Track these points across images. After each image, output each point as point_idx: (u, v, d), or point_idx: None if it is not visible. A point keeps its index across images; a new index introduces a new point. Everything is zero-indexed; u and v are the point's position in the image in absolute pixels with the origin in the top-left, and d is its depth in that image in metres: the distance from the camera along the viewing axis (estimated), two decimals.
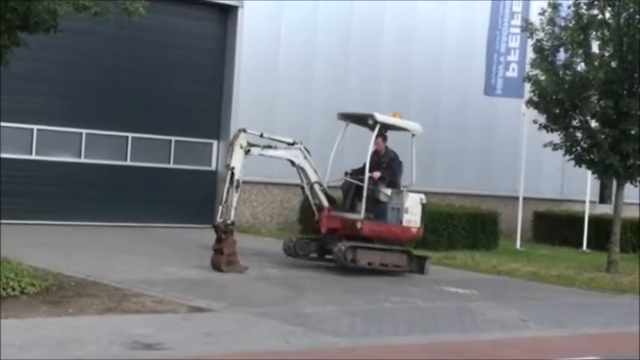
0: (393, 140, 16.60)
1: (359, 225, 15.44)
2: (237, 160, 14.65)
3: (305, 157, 15.60)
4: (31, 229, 17.86)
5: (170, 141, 21.26)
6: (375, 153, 16.09)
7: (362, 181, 15.64)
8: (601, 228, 22.66)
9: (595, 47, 18.52)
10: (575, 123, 18.80)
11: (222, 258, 14.27)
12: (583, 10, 18.31)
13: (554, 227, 25.05)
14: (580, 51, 18.36)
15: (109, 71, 20.25)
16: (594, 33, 18.31)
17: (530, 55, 19.64)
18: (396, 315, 11.98)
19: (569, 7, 18.69)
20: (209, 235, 14.75)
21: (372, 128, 15.97)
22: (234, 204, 14.49)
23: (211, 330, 9.90)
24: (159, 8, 18.62)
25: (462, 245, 21.14)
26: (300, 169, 15.64)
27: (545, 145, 19.34)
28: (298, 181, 16.02)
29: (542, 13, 18.92)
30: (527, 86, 19.83)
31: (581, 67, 18.53)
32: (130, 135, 20.60)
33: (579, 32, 18.17)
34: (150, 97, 20.69)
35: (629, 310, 14.21)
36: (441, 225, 20.86)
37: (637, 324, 12.57)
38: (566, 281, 17.02)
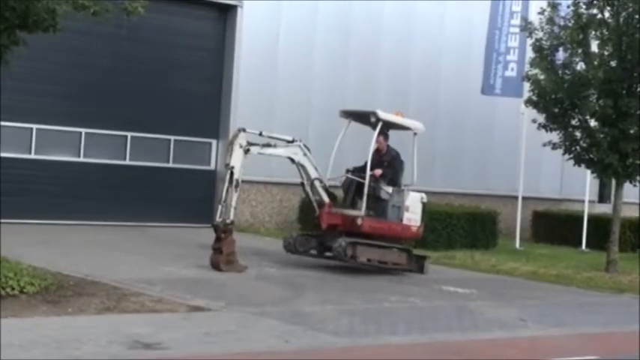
0: (393, 139, 16.60)
1: (359, 221, 15.43)
2: (237, 159, 14.64)
3: (305, 154, 15.60)
4: (30, 229, 17.86)
5: (169, 140, 21.26)
6: (377, 151, 16.08)
7: (363, 178, 15.63)
8: (600, 227, 22.66)
9: (594, 46, 18.52)
10: (574, 122, 18.80)
11: (222, 257, 14.28)
12: (582, 10, 18.30)
13: (554, 227, 25.05)
14: (579, 50, 18.37)
15: (109, 71, 20.24)
16: (593, 32, 18.32)
17: (530, 54, 19.65)
18: (395, 314, 11.98)
19: (568, 7, 18.70)
20: (208, 235, 14.75)
21: (374, 126, 15.97)
22: (233, 203, 14.49)
23: (210, 329, 9.90)
24: (158, 8, 18.63)
25: (461, 245, 21.15)
26: (300, 167, 15.64)
27: (544, 145, 19.35)
28: (297, 181, 16.02)
29: (541, 13, 18.92)
30: (527, 86, 19.83)
31: (580, 66, 18.53)
32: (130, 134, 20.60)
33: (578, 31, 18.18)
34: (149, 96, 20.69)
35: (628, 310, 14.22)
36: (440, 224, 20.86)
37: (636, 323, 12.58)
38: (565, 280, 17.03)
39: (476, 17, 24.44)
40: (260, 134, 15.19)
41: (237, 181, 14.53)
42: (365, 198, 15.51)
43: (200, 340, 9.42)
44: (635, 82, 18.22)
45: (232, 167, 14.56)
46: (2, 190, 18.28)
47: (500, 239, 22.84)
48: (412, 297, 13.56)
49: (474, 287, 15.16)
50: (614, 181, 19.58)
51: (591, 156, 18.53)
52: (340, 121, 16.79)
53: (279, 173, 20.41)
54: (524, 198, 23.84)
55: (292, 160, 15.62)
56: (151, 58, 20.71)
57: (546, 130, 19.15)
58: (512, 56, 22.98)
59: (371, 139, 15.93)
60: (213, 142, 21.77)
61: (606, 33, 18.13)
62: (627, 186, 19.23)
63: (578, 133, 18.78)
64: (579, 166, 19.36)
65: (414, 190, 16.29)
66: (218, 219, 14.38)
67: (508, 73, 22.93)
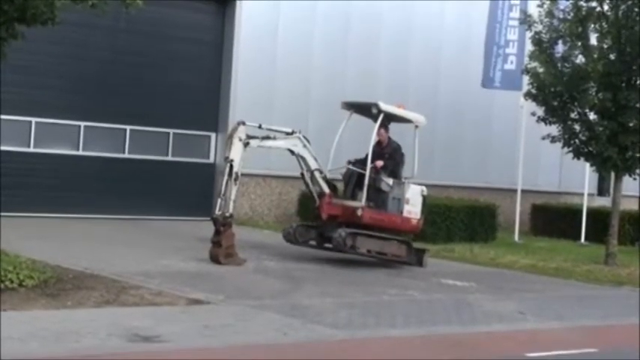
0: (395, 131, 16.59)
1: (359, 212, 15.42)
2: (236, 152, 14.64)
3: (304, 146, 15.59)
4: (29, 222, 17.85)
5: (168, 133, 21.25)
6: (378, 143, 16.07)
7: (364, 170, 15.62)
8: (599, 220, 22.68)
9: (593, 39, 18.52)
10: (573, 115, 18.80)
11: (221, 250, 14.28)
12: (582, 3, 18.30)
13: (553, 220, 25.07)
14: (578, 43, 18.37)
15: (108, 64, 20.23)
16: (593, 25, 18.31)
17: (529, 47, 19.64)
18: (394, 307, 11.99)
19: (567, 0, 18.68)
20: (207, 228, 14.75)
21: (375, 118, 15.96)
22: (232, 197, 14.49)
23: (210, 322, 9.91)
24: (157, 1, 18.62)
25: (460, 238, 21.16)
26: (300, 158, 15.63)
27: (543, 138, 19.35)
28: (297, 174, 16.01)
29: (540, 6, 18.91)
30: (526, 79, 19.82)
31: (579, 59, 18.53)
32: (129, 127, 20.59)
33: (578, 24, 18.17)
34: (148, 89, 20.68)
35: (627, 303, 14.24)
36: (440, 217, 20.88)
37: (635, 316, 12.60)
38: (564, 274, 17.04)
39: (475, 10, 24.41)
40: (259, 127, 15.18)
41: (236, 174, 14.52)
42: (365, 189, 15.50)
43: (199, 333, 9.43)
44: (635, 75, 18.22)
45: (232, 160, 14.55)
46: (1, 184, 18.28)
47: (500, 232, 22.86)
48: (411, 290, 13.57)
49: (472, 280, 15.17)
50: (613, 174, 19.59)
51: (590, 149, 18.54)
52: (340, 114, 16.78)
53: (278, 166, 20.41)
54: (523, 191, 23.85)
55: (292, 152, 15.62)
56: (150, 51, 20.69)
57: (545, 123, 19.14)
58: (512, 49, 22.98)
59: (372, 131, 15.92)
60: (213, 135, 21.76)
61: (605, 26, 18.12)
62: (626, 179, 19.23)
63: (577, 126, 18.78)
64: (578, 159, 19.36)
65: (414, 183, 16.29)
66: (217, 212, 14.38)
67: (507, 66, 22.92)
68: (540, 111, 19.03)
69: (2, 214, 17.01)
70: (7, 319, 9.09)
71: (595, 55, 18.07)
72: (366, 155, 15.80)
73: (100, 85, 20.06)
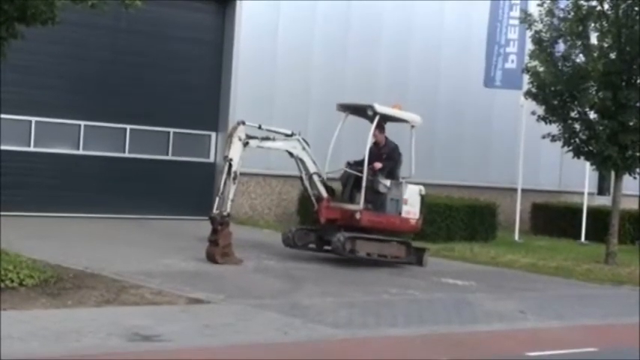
0: (392, 131, 16.59)
1: (358, 215, 15.43)
2: (236, 152, 14.64)
3: (303, 148, 15.59)
4: (29, 221, 17.85)
5: (168, 133, 21.25)
6: (376, 144, 16.07)
7: (362, 172, 15.62)
8: (599, 219, 22.68)
9: (594, 39, 18.51)
10: (573, 114, 18.80)
11: (217, 249, 14.27)
12: (582, 2, 18.29)
13: (553, 219, 25.07)
14: (579, 42, 18.36)
15: (108, 63, 20.22)
16: (593, 24, 18.30)
17: (529, 46, 19.63)
18: (394, 307, 11.99)
19: None
20: (207, 227, 14.73)
21: (372, 119, 15.96)
22: (230, 196, 14.49)
23: (210, 322, 9.91)
24: (157, 0, 18.62)
25: (460, 237, 21.16)
26: (299, 160, 15.63)
27: (543, 137, 19.35)
28: (297, 173, 16.01)
29: (541, 5, 18.91)
30: (526, 78, 19.81)
31: (579, 58, 18.52)
32: (129, 127, 20.59)
33: (578, 23, 18.16)
34: (148, 89, 20.67)
35: (628, 302, 14.24)
36: (440, 217, 20.87)
37: (635, 315, 12.60)
38: (564, 273, 17.04)
39: (475, 10, 24.40)
40: (259, 127, 15.18)
41: (235, 173, 14.53)
42: (363, 192, 15.50)
43: (199, 332, 9.43)
44: (635, 74, 18.22)
45: (231, 159, 14.56)
46: (2, 183, 18.28)
47: (500, 231, 22.86)
48: (411, 289, 13.57)
49: (473, 279, 15.18)
50: (613, 173, 19.59)
51: (590, 148, 18.53)
52: (339, 113, 16.78)
53: (278, 165, 20.40)
54: (523, 190, 23.84)
55: (291, 154, 15.61)
56: (150, 50, 20.68)
57: (545, 122, 19.13)
58: (512, 48, 22.97)
59: (370, 130, 15.91)
60: (213, 134, 21.76)
61: (606, 25, 18.11)
62: (626, 178, 19.23)
63: (577, 126, 18.78)
64: (578, 158, 19.36)
65: (412, 183, 16.28)
66: (215, 211, 14.39)
67: (508, 65, 22.91)
68: (540, 110, 19.02)
69: (2, 213, 17.00)
70: (7, 319, 9.09)
71: (595, 54, 18.07)
72: (364, 156, 15.80)
73: (100, 85, 20.06)
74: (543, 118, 19.02)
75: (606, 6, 18.17)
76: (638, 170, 18.95)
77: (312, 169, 15.65)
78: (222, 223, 14.31)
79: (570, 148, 18.93)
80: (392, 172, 16.07)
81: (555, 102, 18.65)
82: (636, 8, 17.92)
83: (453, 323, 11.30)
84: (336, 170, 16.12)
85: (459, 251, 19.14)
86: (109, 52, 20.25)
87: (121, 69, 20.33)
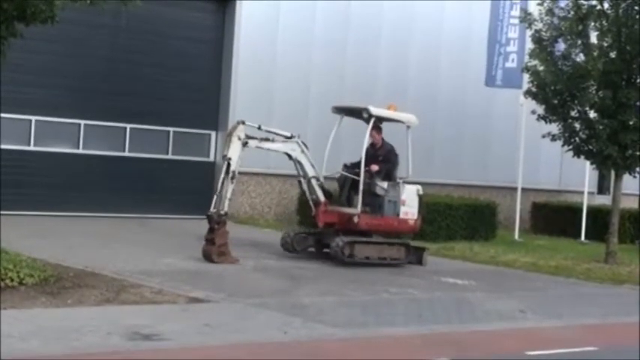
0: (389, 132, 16.58)
1: (356, 219, 15.46)
2: (235, 151, 14.65)
3: (302, 151, 15.58)
4: (29, 220, 17.86)
5: (168, 132, 21.26)
6: (372, 145, 16.08)
7: (358, 174, 15.62)
8: (599, 219, 22.70)
9: (594, 38, 18.51)
10: (573, 113, 18.80)
11: (214, 248, 14.26)
12: (582, 1, 18.29)
13: (553, 218, 25.08)
14: (579, 41, 18.36)
15: (108, 62, 20.22)
16: (593, 23, 18.31)
17: (529, 45, 19.63)
18: (394, 306, 11.99)
19: None
20: (207, 227, 14.74)
21: (367, 121, 15.96)
22: (228, 195, 14.50)
23: (210, 321, 9.91)
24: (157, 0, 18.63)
25: (460, 236, 21.16)
26: (298, 163, 15.63)
27: (543, 136, 19.35)
28: (297, 172, 16.00)
29: (541, 4, 18.90)
30: (526, 77, 19.81)
31: (579, 57, 18.52)
32: (129, 126, 20.59)
33: (578, 23, 18.16)
34: (148, 88, 20.67)
35: (628, 301, 14.24)
36: (440, 216, 20.87)
37: (635, 314, 12.60)
38: (564, 272, 17.04)
39: (475, 8, 24.42)
40: (259, 128, 15.18)
41: (233, 172, 14.54)
42: (360, 195, 15.51)
43: (199, 331, 9.44)
44: (635, 74, 18.22)
45: (229, 159, 14.57)
46: (2, 182, 18.27)
47: (500, 230, 22.87)
48: (411, 288, 13.57)
49: (473, 279, 15.18)
50: (613, 173, 19.59)
51: (590, 147, 18.53)
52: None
53: (278, 165, 20.37)
54: (523, 189, 23.84)
55: (289, 157, 15.61)
56: (150, 49, 20.69)
57: (545, 122, 19.14)
58: (513, 47, 22.97)
59: (366, 132, 15.91)
60: (212, 133, 21.76)
61: (605, 24, 18.11)
62: (626, 177, 19.24)
63: (577, 125, 18.78)
64: (578, 157, 19.36)
65: (410, 182, 16.27)
66: (212, 210, 14.40)
67: (508, 65, 22.91)
68: (540, 109, 19.02)
69: (2, 212, 17.00)
70: (7, 318, 9.09)
71: (595, 54, 18.07)
72: (361, 158, 15.79)
73: (100, 84, 20.05)
74: (543, 118, 19.02)
75: (606, 5, 18.17)
76: (638, 169, 18.95)
77: (310, 172, 15.64)
78: (218, 222, 14.31)
79: (570, 147, 18.93)
80: (389, 174, 16.08)
81: (555, 101, 18.65)
82: (636, 7, 17.91)
83: (452, 322, 11.30)
84: (334, 173, 16.10)
85: (459, 250, 19.14)
86: (109, 51, 20.25)
87: (121, 68, 20.34)
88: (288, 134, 15.58)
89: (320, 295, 12.22)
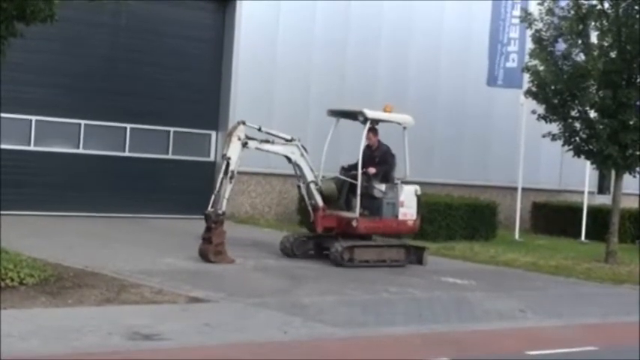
0: (387, 133, 16.58)
1: (354, 223, 15.48)
2: (234, 151, 14.66)
3: (302, 155, 15.56)
4: (29, 220, 17.85)
5: (169, 132, 21.26)
6: (368, 147, 16.10)
7: (355, 176, 15.61)
8: (599, 218, 22.69)
9: (594, 37, 18.51)
10: (573, 113, 18.80)
11: (210, 247, 14.25)
12: (582, 1, 18.28)
13: (553, 218, 25.08)
14: (579, 41, 18.35)
15: (108, 62, 20.22)
16: (593, 23, 18.30)
17: (530, 45, 19.62)
18: (394, 305, 11.99)
19: None
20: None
21: (363, 124, 15.97)
22: (226, 195, 14.50)
23: (210, 320, 9.92)
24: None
25: (460, 236, 21.16)
26: (297, 166, 15.62)
27: (543, 136, 19.35)
28: (295, 175, 16.00)
29: (541, 3, 18.90)
30: (526, 76, 19.81)
31: (580, 57, 18.51)
32: (129, 126, 20.59)
33: (578, 22, 18.16)
34: (148, 87, 20.67)
35: (628, 301, 14.24)
36: (440, 216, 20.87)
37: (635, 314, 12.60)
38: (564, 271, 17.03)
39: (475, 8, 24.41)
40: (259, 129, 15.18)
41: (232, 172, 14.55)
42: (358, 198, 15.52)
43: (199, 331, 9.44)
44: (635, 73, 18.21)
45: (229, 158, 14.58)
46: (2, 182, 18.27)
47: (500, 230, 22.86)
48: (411, 288, 13.57)
49: (473, 278, 15.18)
50: (613, 172, 19.58)
51: (591, 147, 18.53)
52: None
53: (278, 164, 20.33)
54: (523, 189, 23.84)
55: (289, 159, 15.59)
56: (150, 49, 20.69)
57: (546, 121, 19.14)
58: (513, 47, 22.97)
59: (362, 134, 15.91)
60: (213, 133, 21.76)
61: (606, 24, 18.11)
62: (626, 177, 19.23)
63: (577, 124, 18.78)
64: (579, 157, 19.36)
65: (407, 183, 16.26)
66: (210, 209, 14.40)
67: (509, 64, 22.92)
68: (541, 109, 19.02)
69: (2, 212, 17.00)
70: (7, 318, 9.09)
71: (595, 53, 18.06)
72: (358, 161, 15.79)
73: (100, 84, 20.06)
74: (543, 117, 19.02)
75: (606, 5, 18.16)
76: (638, 169, 18.94)
77: (309, 176, 15.63)
78: (216, 222, 14.31)
79: (570, 147, 18.93)
80: (386, 175, 16.08)
81: (555, 101, 18.65)
82: (636, 7, 17.91)
83: (452, 322, 11.30)
84: (332, 178, 16.08)
85: (459, 250, 19.14)
86: (109, 50, 20.25)
87: (121, 68, 20.34)
88: (289, 137, 15.57)
89: (320, 295, 12.23)
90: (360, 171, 15.61)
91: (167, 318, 9.87)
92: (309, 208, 15.74)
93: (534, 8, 19.72)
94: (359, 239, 15.71)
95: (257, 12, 21.71)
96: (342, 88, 22.34)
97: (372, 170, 15.78)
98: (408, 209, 16.09)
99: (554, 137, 19.03)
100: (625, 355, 10.20)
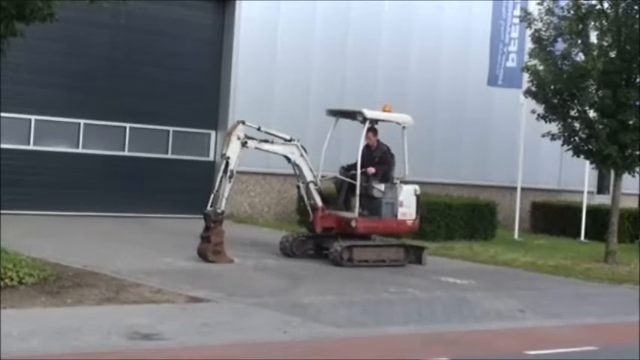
0: (387, 132, 16.58)
1: (354, 223, 15.48)
2: (233, 150, 14.67)
3: (301, 155, 15.56)
4: (28, 220, 17.84)
5: (168, 131, 21.25)
6: (367, 147, 16.10)
7: (354, 176, 15.62)
8: (599, 218, 22.69)
9: (593, 37, 18.50)
10: (573, 113, 18.79)
11: (209, 246, 14.25)
12: (582, 0, 18.28)
13: (552, 217, 25.07)
14: (578, 41, 18.34)
15: (107, 61, 20.22)
16: (593, 23, 18.30)
17: (529, 45, 19.62)
18: (394, 305, 11.99)
19: None
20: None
21: (363, 123, 15.97)
22: (225, 194, 14.51)
23: (209, 320, 9.92)
24: None
25: (460, 236, 21.15)
26: (296, 167, 15.62)
27: (543, 135, 19.34)
28: (294, 175, 15.99)
29: (540, 3, 18.90)
30: (526, 76, 19.81)
31: (579, 57, 18.50)
32: (128, 125, 20.59)
33: (578, 22, 18.15)
34: (148, 87, 20.67)
35: (627, 300, 14.24)
36: (439, 215, 20.86)
37: (635, 314, 12.59)
38: (563, 271, 17.03)
39: (475, 8, 24.41)
40: (258, 129, 15.18)
41: (231, 172, 14.56)
42: (357, 198, 15.52)
43: (199, 330, 9.44)
44: (634, 73, 18.21)
45: (228, 157, 14.58)
46: (1, 181, 18.27)
47: (499, 230, 22.85)
48: (411, 288, 13.56)
49: (472, 278, 15.18)
50: (612, 172, 19.58)
51: (590, 147, 18.52)
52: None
53: (277, 164, 20.32)
54: (522, 189, 23.84)
55: (288, 159, 15.59)
56: (149, 48, 20.68)
57: (545, 121, 19.14)
58: (513, 47, 22.98)
59: (361, 134, 15.91)
60: (212, 133, 21.76)
61: (605, 24, 18.11)
62: (626, 177, 19.23)
63: (577, 124, 18.77)
64: (578, 156, 19.36)
65: (407, 182, 16.26)
66: (209, 208, 14.40)
67: (509, 64, 22.92)
68: (540, 109, 19.01)
69: (2, 211, 17.00)
70: (6, 317, 9.09)
71: (595, 53, 18.06)
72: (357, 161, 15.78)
73: (99, 83, 20.05)
74: (543, 117, 19.02)
75: (606, 4, 18.16)
76: (637, 169, 18.94)
77: (308, 177, 15.63)
78: (215, 221, 14.31)
79: (570, 146, 18.93)
80: (385, 175, 16.08)
81: (555, 101, 18.65)
82: (636, 7, 17.91)
83: (452, 322, 11.30)
84: (331, 177, 16.09)
85: (459, 250, 19.14)
86: (109, 50, 20.25)
87: (120, 67, 20.33)
88: (288, 137, 15.57)
89: (319, 295, 12.22)
90: (359, 171, 15.61)
91: (166, 318, 9.87)
92: (309, 208, 15.74)
93: (534, 8, 19.71)
94: (358, 239, 15.71)
95: (257, 12, 21.71)
96: (342, 88, 22.33)
97: (371, 170, 15.79)
98: (407, 209, 16.09)
99: (553, 137, 19.03)
100: (625, 355, 10.20)
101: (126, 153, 20.65)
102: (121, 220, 19.33)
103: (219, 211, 14.38)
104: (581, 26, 18.20)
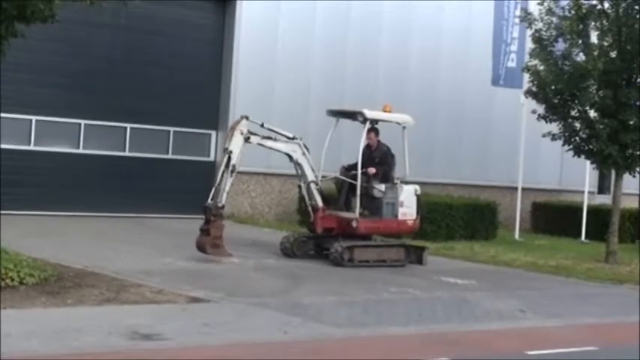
0: (387, 132, 16.58)
1: (354, 224, 15.49)
2: (236, 145, 14.66)
3: (303, 154, 15.56)
4: (29, 220, 17.84)
5: (169, 132, 21.25)
6: (368, 147, 16.10)
7: (355, 177, 15.61)
8: (599, 218, 22.67)
9: (594, 37, 18.50)
10: (573, 113, 18.79)
11: (208, 239, 14.21)
12: (582, 0, 18.28)
13: (553, 217, 25.06)
14: (579, 41, 18.34)
15: (108, 62, 20.22)
16: (593, 23, 18.30)
17: (530, 45, 19.62)
18: (394, 305, 11.99)
19: None
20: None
21: (363, 123, 15.97)
22: (227, 188, 14.50)
23: (210, 320, 9.92)
24: None
25: (460, 236, 21.15)
26: (298, 165, 15.61)
27: (543, 136, 19.34)
28: (296, 174, 15.98)
29: (541, 3, 18.89)
30: (526, 76, 19.81)
31: (580, 57, 18.50)
32: (129, 126, 20.59)
33: (578, 22, 18.15)
34: (148, 87, 20.67)
35: (628, 300, 14.24)
36: (440, 215, 20.85)
37: (636, 314, 12.59)
38: (564, 271, 17.03)
39: (475, 8, 24.40)
40: (262, 126, 15.18)
41: (233, 166, 14.54)
42: (358, 199, 15.52)
43: (199, 330, 9.44)
44: (635, 73, 18.21)
45: (230, 152, 14.56)
46: (2, 182, 18.27)
47: (500, 230, 22.85)
48: (411, 288, 13.56)
49: (473, 278, 15.17)
50: (613, 172, 19.58)
51: (591, 147, 18.52)
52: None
53: (278, 164, 20.34)
54: (523, 189, 23.83)
55: (290, 158, 15.59)
56: (150, 48, 20.68)
57: (546, 121, 19.14)
58: (513, 47, 23.00)
59: (361, 134, 15.90)
60: (213, 133, 21.75)
61: (606, 24, 18.11)
62: (626, 177, 19.22)
63: (577, 124, 18.77)
64: (579, 157, 19.35)
65: (407, 182, 16.26)
66: (210, 201, 14.38)
67: (510, 64, 22.94)
68: (541, 109, 19.01)
69: (2, 212, 17.00)
70: (7, 317, 9.09)
71: (595, 53, 18.06)
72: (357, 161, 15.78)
73: (100, 83, 20.05)
74: (544, 117, 19.02)
75: (606, 4, 18.16)
76: (638, 169, 18.94)
77: (310, 176, 15.62)
78: (215, 214, 14.29)
79: (571, 146, 18.93)
80: (386, 175, 16.08)
81: (555, 101, 18.65)
82: (636, 7, 17.91)
83: (452, 322, 11.30)
84: (332, 178, 16.08)
85: (459, 250, 19.13)
86: (109, 50, 20.24)
87: (121, 68, 20.33)
88: (291, 135, 15.56)
89: (320, 295, 12.22)
90: (359, 171, 15.61)
91: (167, 318, 9.87)
92: (309, 208, 15.73)
93: (534, 8, 19.71)
94: (359, 239, 15.71)
95: (257, 12, 21.71)
96: (342, 88, 22.32)
97: (371, 170, 15.79)
98: (407, 209, 16.09)
99: (554, 137, 19.03)
100: (625, 355, 10.20)
101: (126, 153, 20.64)
102: (122, 221, 19.33)
103: (219, 204, 14.36)
104: (581, 26, 18.20)
